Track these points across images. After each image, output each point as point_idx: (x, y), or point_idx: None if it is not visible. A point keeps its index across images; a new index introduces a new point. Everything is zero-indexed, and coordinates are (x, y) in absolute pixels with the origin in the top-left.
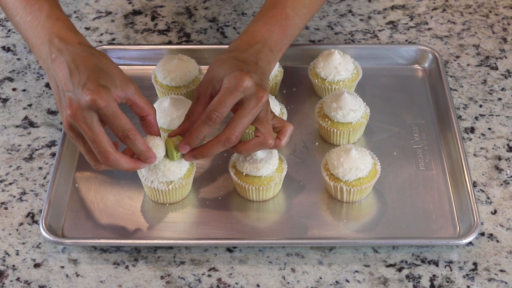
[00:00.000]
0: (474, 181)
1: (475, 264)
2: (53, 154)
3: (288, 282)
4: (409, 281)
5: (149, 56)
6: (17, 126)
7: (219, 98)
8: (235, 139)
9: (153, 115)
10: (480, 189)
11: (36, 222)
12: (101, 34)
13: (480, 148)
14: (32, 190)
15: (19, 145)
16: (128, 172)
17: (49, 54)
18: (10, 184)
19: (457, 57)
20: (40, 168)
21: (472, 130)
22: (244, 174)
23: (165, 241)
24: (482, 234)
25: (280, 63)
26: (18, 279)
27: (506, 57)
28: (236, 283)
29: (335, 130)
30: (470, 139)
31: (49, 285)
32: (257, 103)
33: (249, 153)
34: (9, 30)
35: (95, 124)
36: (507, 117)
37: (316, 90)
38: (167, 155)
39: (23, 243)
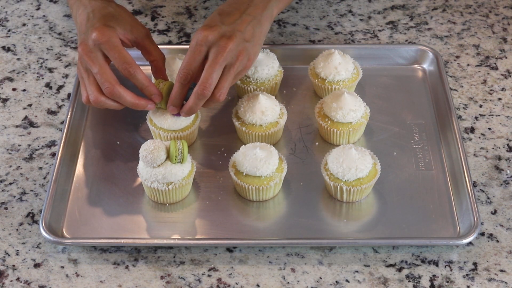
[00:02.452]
0: (474, 181)
1: (475, 264)
2: (53, 154)
3: (288, 282)
4: (409, 281)
5: None
6: (17, 126)
7: (187, 57)
8: (208, 92)
9: (160, 60)
10: (480, 189)
11: (36, 222)
12: None
13: (480, 148)
14: (32, 190)
15: (19, 145)
16: (134, 108)
17: (78, 10)
18: (10, 184)
19: (457, 57)
20: (40, 168)
21: (472, 130)
22: (244, 174)
23: (165, 241)
24: (482, 234)
25: (280, 63)
26: (18, 279)
27: (506, 57)
28: (236, 283)
29: (335, 130)
30: (470, 139)
31: (49, 285)
32: (220, 52)
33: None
34: (9, 30)
35: (99, 59)
36: (507, 117)
37: (316, 90)
38: (168, 158)
39: (23, 243)
